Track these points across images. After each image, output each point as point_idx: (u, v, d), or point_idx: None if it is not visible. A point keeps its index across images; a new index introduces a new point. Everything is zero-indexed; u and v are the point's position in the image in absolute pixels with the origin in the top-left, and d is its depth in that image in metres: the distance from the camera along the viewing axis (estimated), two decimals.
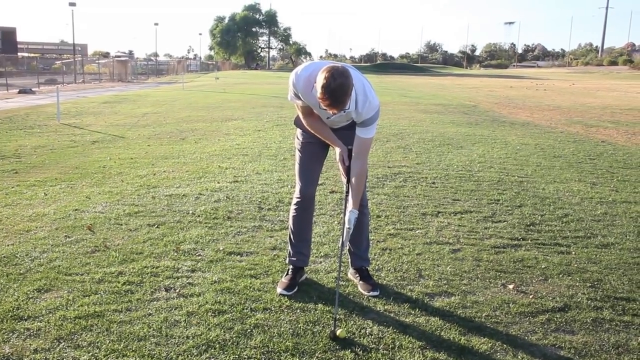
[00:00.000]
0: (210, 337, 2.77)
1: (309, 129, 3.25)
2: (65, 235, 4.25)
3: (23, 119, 12.71)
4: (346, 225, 3.07)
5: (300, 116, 3.24)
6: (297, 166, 3.43)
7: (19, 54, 47.74)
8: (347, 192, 3.20)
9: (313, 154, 3.39)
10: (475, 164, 7.45)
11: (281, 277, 3.47)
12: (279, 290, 3.31)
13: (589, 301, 3.30)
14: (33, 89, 24.58)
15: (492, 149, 8.84)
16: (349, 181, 3.17)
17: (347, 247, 3.49)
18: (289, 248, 3.50)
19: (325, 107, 2.78)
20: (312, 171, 3.41)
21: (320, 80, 2.69)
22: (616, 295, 3.39)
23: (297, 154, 3.44)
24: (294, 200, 3.45)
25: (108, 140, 9.46)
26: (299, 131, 3.42)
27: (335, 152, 3.23)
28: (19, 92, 22.76)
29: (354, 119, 3.04)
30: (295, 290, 3.33)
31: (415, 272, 3.69)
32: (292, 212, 3.47)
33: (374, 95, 3.01)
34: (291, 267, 3.46)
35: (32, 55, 51.24)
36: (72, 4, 40.37)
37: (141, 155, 7.92)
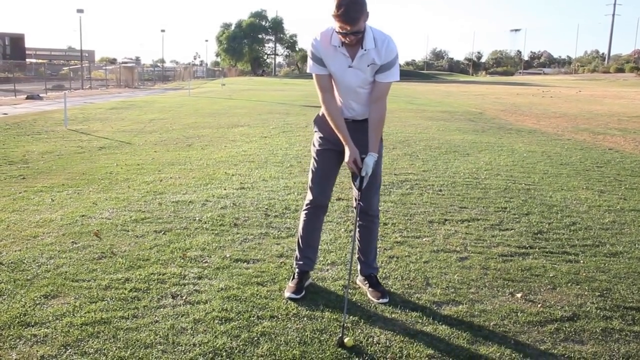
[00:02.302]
0: (217, 345, 2.76)
1: (326, 113, 3.21)
2: (72, 242, 4.26)
3: (30, 124, 12.78)
4: (362, 173, 3.13)
5: (320, 94, 3.20)
6: (311, 173, 3.41)
7: (27, 60, 48.09)
8: (358, 200, 3.21)
9: (329, 162, 3.36)
10: (482, 172, 7.42)
11: (287, 282, 3.48)
12: (287, 294, 3.32)
13: (598, 310, 3.27)
14: (41, 95, 24.72)
15: (498, 156, 8.82)
16: (360, 189, 3.18)
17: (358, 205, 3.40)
18: (297, 252, 3.51)
19: (340, 28, 2.88)
20: (327, 179, 3.40)
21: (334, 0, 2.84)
22: (626, 305, 3.36)
23: (313, 161, 3.41)
24: (306, 206, 3.45)
25: (115, 147, 9.50)
26: (316, 137, 3.41)
27: (345, 155, 3.19)
28: (27, 98, 22.90)
29: (375, 60, 3.04)
30: (303, 294, 3.33)
31: (422, 280, 3.67)
32: (302, 217, 3.47)
33: (392, 40, 3.07)
34: (297, 271, 3.46)
35: (40, 61, 51.59)
36: (80, 11, 40.64)
37: (148, 162, 7.94)
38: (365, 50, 3.00)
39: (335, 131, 3.21)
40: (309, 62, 3.15)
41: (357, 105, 3.23)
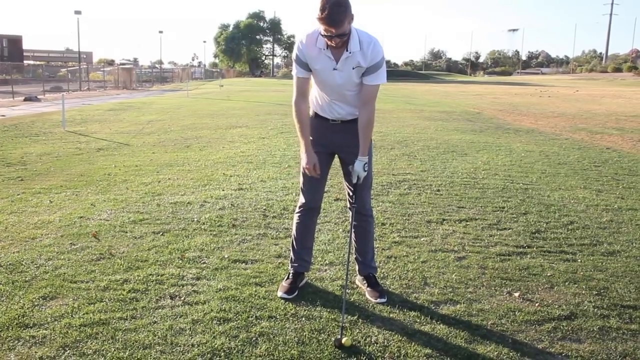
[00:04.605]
0: (216, 345, 2.77)
1: (295, 114, 3.22)
2: (71, 243, 4.26)
3: (29, 126, 12.77)
4: (354, 180, 3.18)
5: (294, 95, 3.21)
6: (302, 176, 3.43)
7: (24, 61, 48.12)
8: (353, 203, 3.26)
9: (319, 164, 3.38)
10: (480, 171, 7.44)
11: (282, 281, 3.51)
12: (280, 293, 3.35)
13: (596, 309, 3.28)
14: (38, 97, 24.68)
15: (496, 156, 8.83)
16: (355, 191, 3.21)
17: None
18: (291, 254, 3.54)
19: (325, 31, 2.88)
20: (317, 182, 3.41)
21: (318, 2, 2.84)
22: (623, 303, 3.37)
23: (303, 164, 3.43)
24: (298, 209, 3.49)
25: (113, 148, 9.50)
26: None
27: (302, 160, 3.23)
28: (25, 100, 22.86)
29: (360, 63, 3.04)
30: (295, 294, 3.36)
31: (420, 280, 3.68)
32: (295, 220, 3.50)
33: (378, 42, 3.07)
34: (292, 272, 3.48)
35: (38, 63, 51.60)
36: (78, 12, 40.64)
37: (146, 163, 7.94)
38: (350, 52, 3.00)
39: (298, 133, 3.25)
40: (294, 64, 3.16)
41: (344, 105, 3.23)
